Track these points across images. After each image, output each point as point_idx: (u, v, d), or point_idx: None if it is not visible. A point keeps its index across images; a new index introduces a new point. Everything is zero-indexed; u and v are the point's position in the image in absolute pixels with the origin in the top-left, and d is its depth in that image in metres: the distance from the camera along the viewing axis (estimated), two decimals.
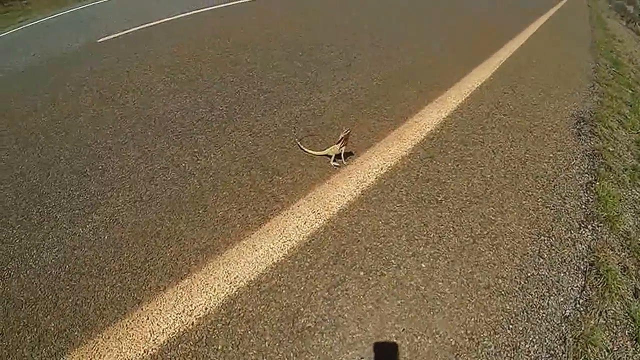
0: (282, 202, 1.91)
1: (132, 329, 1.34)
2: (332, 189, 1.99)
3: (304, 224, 1.78)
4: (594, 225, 1.89)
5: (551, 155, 2.35)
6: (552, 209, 1.94)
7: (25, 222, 1.80)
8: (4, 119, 2.79)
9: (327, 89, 2.98)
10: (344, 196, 1.95)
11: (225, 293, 1.46)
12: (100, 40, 4.56)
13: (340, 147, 2.13)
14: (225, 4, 5.90)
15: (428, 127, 2.54)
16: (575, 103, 3.03)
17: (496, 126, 2.61)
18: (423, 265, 1.61)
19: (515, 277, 1.58)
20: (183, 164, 2.12)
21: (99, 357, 1.25)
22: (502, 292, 1.52)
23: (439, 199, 1.95)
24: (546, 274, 1.61)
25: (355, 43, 4.03)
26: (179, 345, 1.29)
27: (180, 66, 3.43)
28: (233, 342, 1.31)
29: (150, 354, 1.26)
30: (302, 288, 1.50)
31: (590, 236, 1.82)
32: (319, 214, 1.84)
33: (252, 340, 1.32)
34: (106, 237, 1.68)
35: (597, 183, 2.12)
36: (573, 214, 1.93)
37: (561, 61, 4.04)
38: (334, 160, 2.17)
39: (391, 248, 1.68)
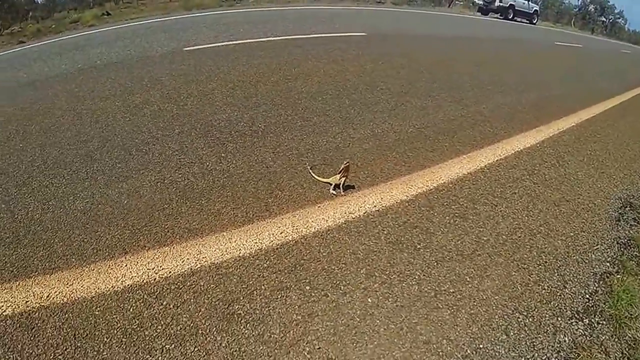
0: (271, 212, 2.13)
1: (112, 268, 1.68)
2: (319, 212, 2.14)
3: (280, 233, 1.96)
4: (592, 320, 1.62)
5: (572, 234, 2.10)
6: (544, 289, 1.74)
7: (73, 177, 2.37)
8: (86, 100, 3.68)
9: (360, 127, 3.19)
10: (326, 220, 2.07)
11: (189, 266, 1.71)
12: (187, 48, 5.56)
13: (340, 178, 2.29)
14: (329, 34, 6.65)
15: (442, 179, 2.52)
16: (629, 186, 2.63)
17: (519, 192, 2.44)
18: (369, 300, 1.62)
19: (463, 344, 1.47)
20: (207, 163, 2.53)
21: (82, 279, 1.60)
22: (440, 354, 1.43)
23: (418, 247, 1.93)
24: (502, 353, 1.46)
25: (410, 90, 4.21)
26: (137, 291, 1.57)
27: (242, 84, 4.04)
28: (176, 303, 1.53)
29: (115, 290, 1.56)
30: (250, 282, 1.65)
31: (581, 331, 1.58)
32: (296, 229, 2.00)
33: (190, 307, 1.52)
34: (125, 202, 2.12)
35: (617, 275, 1.82)
36: (569, 301, 1.69)
37: (631, 138, 3.54)
38: (334, 189, 2.33)
39: (347, 276, 1.73)
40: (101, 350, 1.35)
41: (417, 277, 1.75)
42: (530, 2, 17.35)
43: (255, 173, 2.48)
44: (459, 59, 5.84)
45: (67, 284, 1.59)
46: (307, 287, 1.66)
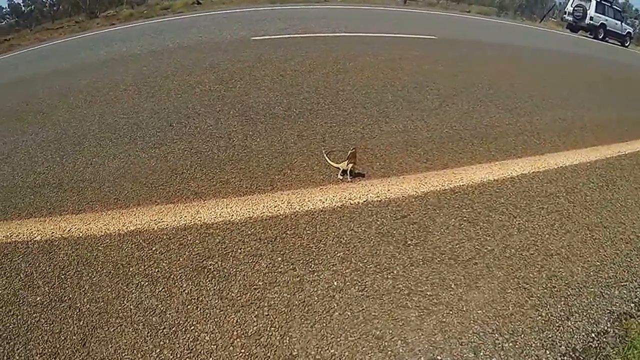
0: (273, 187, 2.21)
1: (123, 215, 1.96)
2: (319, 193, 2.16)
3: (274, 207, 2.03)
4: None
5: (597, 263, 1.73)
6: (541, 315, 1.49)
7: (118, 141, 2.76)
8: (149, 78, 4.14)
9: (394, 122, 3.07)
10: (323, 202, 2.08)
11: (184, 222, 1.90)
12: (254, 38, 5.87)
13: (348, 164, 2.26)
14: (398, 34, 6.49)
15: (461, 182, 2.30)
16: None
17: (548, 209, 2.10)
18: (335, 284, 1.60)
19: (419, 350, 1.35)
20: (233, 139, 2.73)
21: (97, 221, 1.91)
22: (388, 352, 1.34)
23: (408, 243, 1.81)
24: None
25: (460, 94, 3.86)
26: (136, 236, 1.81)
27: (293, 72, 4.16)
28: (162, 251, 1.72)
29: (119, 232, 1.83)
30: (229, 244, 1.77)
31: None
32: (290, 205, 2.05)
33: (172, 255, 1.70)
34: (153, 164, 2.43)
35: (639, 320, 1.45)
36: (568, 335, 1.42)
37: None
38: (341, 174, 2.31)
39: (321, 256, 1.73)
40: (92, 276, 1.61)
41: (394, 272, 1.66)
42: (623, 24, 15.11)
43: (273, 152, 2.59)
44: (527, 70, 5.16)
45: (86, 223, 1.92)
46: (279, 259, 1.71)
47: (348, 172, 2.28)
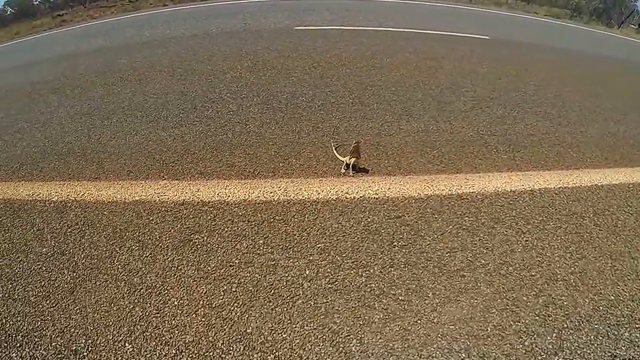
0: (275, 174, 2.25)
1: (132, 186, 2.14)
2: (317, 184, 2.15)
3: (269, 192, 2.07)
4: None
5: (611, 297, 1.49)
6: (523, 344, 1.34)
7: (143, 119, 2.97)
8: (184, 61, 4.34)
9: (416, 121, 2.92)
10: (318, 193, 2.07)
11: (184, 198, 2.02)
12: (297, 27, 5.92)
13: (350, 158, 2.22)
14: (447, 32, 6.17)
15: (471, 189, 2.13)
16: None
17: (566, 229, 1.85)
18: (307, 272, 1.59)
19: (371, 354, 1.30)
20: (250, 125, 2.81)
21: (109, 189, 2.11)
22: (340, 350, 1.31)
23: (394, 244, 1.74)
24: None
25: (498, 97, 3.53)
26: (138, 205, 1.97)
27: (326, 65, 4.11)
28: (158, 221, 1.86)
29: (125, 200, 2.01)
30: (218, 223, 1.85)
31: None
32: (286, 192, 2.07)
33: (166, 226, 1.82)
34: (169, 143, 2.60)
35: None
36: None
37: None
38: (344, 168, 2.27)
39: (301, 244, 1.73)
40: (92, 236, 1.80)
41: (371, 271, 1.60)
42: None
43: (285, 140, 2.62)
44: (583, 78, 4.50)
45: (98, 189, 2.13)
46: (261, 241, 1.74)
47: (350, 166, 2.24)
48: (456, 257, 1.68)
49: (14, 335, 1.36)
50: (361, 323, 1.39)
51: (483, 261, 1.67)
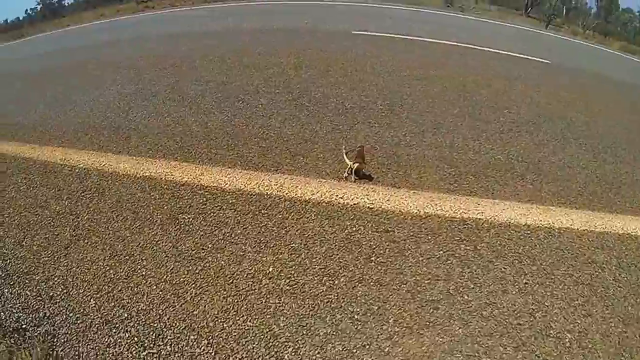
0: (277, 169, 2.26)
1: (146, 162, 2.33)
2: (314, 185, 2.11)
3: (265, 185, 2.10)
4: None
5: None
6: None
7: (179, 104, 3.17)
8: (238, 54, 4.47)
9: (442, 136, 2.70)
10: (312, 194, 2.04)
11: (186, 180, 2.14)
12: (354, 32, 5.83)
13: (354, 163, 2.13)
14: (509, 52, 5.69)
15: (480, 215, 1.90)
16: None
17: (577, 278, 1.56)
18: (271, 269, 1.58)
19: (281, 354, 1.23)
20: (273, 121, 2.87)
21: (131, 164, 2.31)
22: (254, 338, 1.27)
23: (371, 259, 1.63)
24: None
25: (544, 122, 3.10)
26: (147, 181, 2.15)
27: (369, 70, 3.97)
28: (157, 197, 2.00)
29: (137, 176, 2.19)
30: (208, 208, 1.93)
31: None
32: (280, 188, 2.08)
33: (163, 203, 1.95)
34: (193, 128, 2.77)
35: None
36: None
37: None
38: (347, 172, 2.19)
39: (277, 241, 1.72)
40: (99, 203, 2.01)
41: (335, 282, 1.53)
42: None
43: (299, 138, 2.62)
44: None
45: (118, 162, 2.37)
46: (238, 231, 1.77)
47: (353, 171, 2.16)
48: (436, 287, 1.52)
49: (10, 275, 1.57)
50: (304, 333, 1.33)
51: (466, 297, 1.48)
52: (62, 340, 1.35)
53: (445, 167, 2.33)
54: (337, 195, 2.03)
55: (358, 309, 1.42)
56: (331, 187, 2.11)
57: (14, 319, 1.43)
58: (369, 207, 1.95)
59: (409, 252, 1.68)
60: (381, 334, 1.34)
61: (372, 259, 1.64)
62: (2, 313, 1.44)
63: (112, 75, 4.19)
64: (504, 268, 1.61)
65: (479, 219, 1.89)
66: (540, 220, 1.89)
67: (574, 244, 1.77)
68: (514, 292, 1.50)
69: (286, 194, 2.04)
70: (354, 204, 1.97)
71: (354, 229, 1.81)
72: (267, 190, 2.07)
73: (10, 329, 1.38)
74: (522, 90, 3.83)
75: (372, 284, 1.53)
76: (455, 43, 5.67)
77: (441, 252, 1.68)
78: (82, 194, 2.04)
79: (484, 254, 1.68)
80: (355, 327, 1.36)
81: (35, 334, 1.37)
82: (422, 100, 3.29)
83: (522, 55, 5.51)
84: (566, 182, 2.26)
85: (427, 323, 1.38)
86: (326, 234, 1.77)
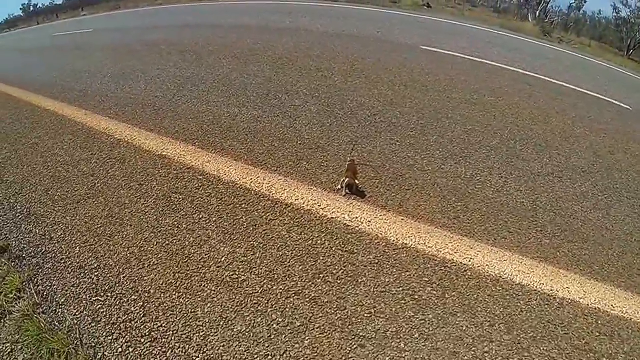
0: (277, 170, 2.31)
1: (168, 143, 2.59)
2: (305, 192, 2.10)
3: (255, 183, 2.16)
4: None
5: None
6: None
7: (218, 91, 3.39)
8: (296, 53, 4.61)
9: (465, 166, 2.42)
10: (297, 199, 2.04)
11: (191, 164, 2.33)
12: (423, 47, 5.60)
13: (345, 177, 2.05)
14: (594, 93, 4.86)
15: (466, 260, 1.65)
16: None
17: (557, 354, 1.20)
18: (222, 259, 1.62)
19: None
20: (295, 122, 2.93)
21: (152, 140, 2.61)
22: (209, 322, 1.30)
23: (316, 275, 1.55)
24: None
25: (587, 169, 2.49)
26: (159, 160, 2.39)
27: (419, 88, 3.74)
28: (163, 174, 2.22)
29: (155, 153, 2.46)
30: (199, 193, 2.08)
31: None
32: (270, 188, 2.12)
33: (162, 179, 2.17)
34: (221, 119, 2.98)
35: None
36: None
37: None
38: (340, 185, 2.12)
39: (239, 234, 1.76)
40: (117, 171, 2.31)
41: (274, 288, 1.50)
42: None
43: (312, 145, 2.62)
44: None
45: (146, 139, 2.70)
46: (214, 218, 1.88)
47: (344, 185, 2.08)
48: (373, 324, 1.38)
49: (30, 215, 1.93)
50: (220, 324, 1.36)
51: (402, 344, 1.31)
52: (46, 272, 1.62)
53: (452, 200, 2.08)
54: (319, 206, 1.99)
55: (280, 320, 1.38)
56: (318, 196, 2.07)
57: (20, 248, 1.75)
58: (345, 223, 1.87)
59: (363, 280, 1.56)
60: (288, 351, 1.28)
61: (322, 276, 1.57)
62: (14, 241, 1.79)
63: (176, 58, 4.77)
64: (467, 327, 1.38)
65: (464, 264, 1.65)
66: (541, 284, 1.56)
67: (574, 323, 1.42)
68: (464, 355, 1.28)
69: (272, 194, 2.08)
70: (332, 218, 1.90)
71: (319, 242, 1.75)
72: (256, 187, 2.13)
73: (14, 255, 1.71)
74: (583, 133, 3.20)
75: (307, 300, 1.46)
76: (529, 73, 5.03)
77: (400, 289, 1.52)
78: (107, 161, 2.39)
79: (449, 305, 1.46)
80: (269, 335, 1.33)
81: (29, 263, 1.67)
82: (460, 126, 2.99)
83: (600, 96, 4.62)
84: (597, 246, 1.82)
85: (342, 358, 1.26)
86: (289, 240, 1.75)
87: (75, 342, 1.36)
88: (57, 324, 1.42)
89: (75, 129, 2.92)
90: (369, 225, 1.86)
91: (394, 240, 1.77)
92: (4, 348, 1.36)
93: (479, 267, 1.65)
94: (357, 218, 1.91)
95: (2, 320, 1.43)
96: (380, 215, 1.94)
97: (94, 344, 1.36)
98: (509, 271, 1.64)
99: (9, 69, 6.62)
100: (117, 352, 1.33)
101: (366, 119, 3.02)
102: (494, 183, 2.26)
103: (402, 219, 1.92)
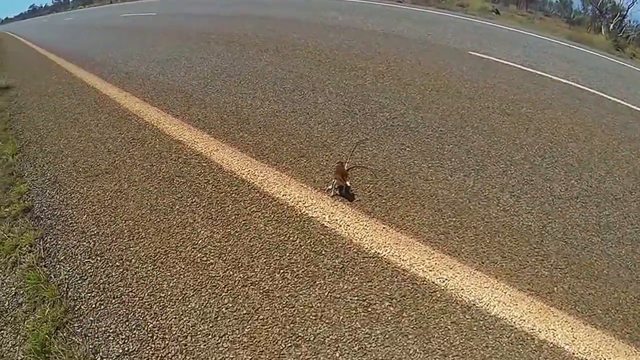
0: (276, 165, 2.36)
1: (190, 132, 2.79)
2: (294, 188, 2.12)
3: (252, 174, 2.24)
4: None
5: None
6: None
7: (255, 85, 3.53)
8: (338, 51, 4.56)
9: (474, 179, 2.20)
10: (284, 195, 2.07)
11: (201, 151, 2.49)
12: (471, 52, 5.19)
13: (334, 178, 2.02)
14: None
15: (451, 287, 1.51)
16: None
17: None
18: (198, 241, 1.72)
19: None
20: (310, 120, 2.94)
21: (174, 125, 2.83)
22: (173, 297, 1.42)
23: (276, 269, 1.57)
24: None
25: (629, 199, 2.03)
26: (175, 144, 2.59)
27: (452, 94, 3.50)
28: (174, 156, 2.41)
29: (172, 137, 2.67)
30: (198, 179, 2.22)
31: None
32: (263, 180, 2.18)
33: (172, 162, 2.36)
34: (243, 109, 3.10)
35: None
36: None
37: None
38: (331, 184, 2.10)
39: (222, 221, 1.85)
40: (138, 150, 2.54)
41: (234, 275, 1.56)
42: None
43: (318, 143, 2.59)
44: None
45: (170, 124, 2.91)
46: (204, 204, 2.00)
47: (333, 186, 2.05)
48: (316, 327, 1.36)
49: (56, 183, 2.25)
50: (173, 299, 1.45)
51: (337, 354, 1.27)
52: (55, 233, 1.89)
53: (447, 214, 1.93)
54: (303, 203, 1.99)
55: (230, 305, 1.45)
56: (306, 194, 2.07)
57: (40, 210, 2.07)
58: (322, 224, 1.85)
59: (320, 283, 1.54)
60: (228, 334, 1.33)
61: (282, 271, 1.59)
62: (37, 204, 2.11)
63: (221, 48, 5.07)
64: (415, 352, 1.28)
65: (435, 284, 1.53)
66: (522, 320, 1.38)
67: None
68: None
69: (263, 187, 2.13)
70: (312, 217, 1.90)
71: (291, 238, 1.76)
72: (251, 178, 2.21)
73: (34, 215, 2.02)
74: (628, 157, 2.67)
75: (261, 292, 1.50)
76: (582, 86, 4.38)
77: (355, 298, 1.47)
78: (131, 141, 2.67)
79: (403, 324, 1.37)
80: (216, 316, 1.41)
81: (44, 223, 1.97)
82: (484, 136, 2.73)
83: None
84: (607, 286, 1.53)
85: (275, 352, 1.27)
86: (264, 233, 1.80)
87: (62, 294, 1.58)
88: (52, 277, 1.66)
89: (112, 108, 3.29)
90: (346, 229, 1.82)
91: (366, 248, 1.71)
92: (10, 291, 1.63)
93: (451, 289, 1.51)
94: (336, 220, 1.87)
95: (14, 269, 1.71)
96: (362, 221, 1.87)
97: (75, 298, 1.56)
98: (486, 300, 1.48)
99: (74, 46, 7.55)
100: (90, 306, 1.52)
101: (383, 122, 2.92)
102: (503, 201, 2.04)
103: (384, 228, 1.83)
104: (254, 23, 7.00)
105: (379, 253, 1.68)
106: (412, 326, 1.37)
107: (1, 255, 1.77)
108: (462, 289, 1.51)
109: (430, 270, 1.59)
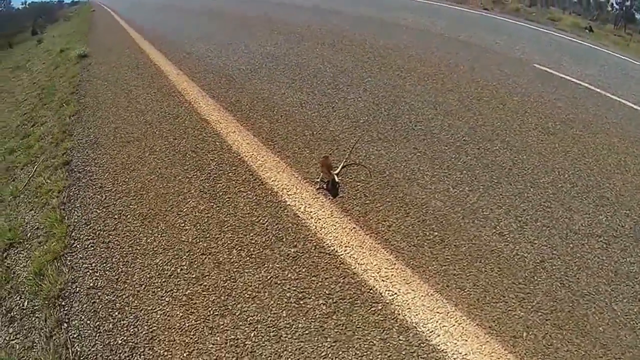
0: (281, 152, 2.42)
1: (218, 113, 3.01)
2: (286, 174, 2.16)
3: (254, 158, 2.34)
4: None
5: None
6: None
7: (296, 75, 3.60)
8: (393, 51, 4.34)
9: (483, 196, 1.94)
10: (272, 180, 2.12)
11: (221, 132, 2.68)
12: (535, 65, 4.58)
13: (321, 172, 2.00)
14: None
15: (391, 296, 1.40)
16: None
17: None
18: (193, 216, 1.88)
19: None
20: (332, 115, 2.91)
21: (209, 106, 3.07)
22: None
23: (251, 256, 1.64)
24: None
25: None
26: (208, 123, 2.83)
27: (498, 109, 3.10)
28: (195, 133, 2.65)
29: (206, 118, 2.92)
30: (207, 158, 2.40)
31: None
32: (261, 166, 2.26)
33: (190, 137, 2.60)
34: (274, 97, 3.20)
35: None
36: None
37: None
38: (320, 178, 2.08)
39: (224, 199, 1.99)
40: (168, 125, 2.83)
41: (202, 246, 1.67)
42: None
43: (328, 136, 2.56)
44: None
45: (207, 105, 3.13)
46: (200, 182, 2.15)
47: (320, 179, 2.04)
48: (245, 305, 1.39)
49: (95, 144, 2.65)
50: (152, 268, 1.62)
51: (253, 333, 1.29)
52: (80, 184, 2.25)
53: (430, 227, 1.76)
54: (287, 191, 2.02)
55: (185, 266, 1.59)
56: (294, 183, 2.10)
57: (75, 165, 2.47)
58: (295, 213, 1.86)
59: (267, 266, 1.57)
60: (172, 290, 1.45)
61: (239, 249, 1.66)
62: (75, 159, 2.52)
63: (280, 37, 5.25)
64: (326, 357, 1.23)
65: (382, 295, 1.43)
66: (463, 356, 1.21)
67: None
68: None
69: (258, 171, 2.21)
70: (288, 204, 1.92)
71: (260, 221, 1.82)
72: (251, 161, 2.31)
73: (70, 168, 2.42)
74: None
75: (214, 261, 1.60)
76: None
77: (294, 290, 1.46)
78: (166, 115, 2.99)
79: (329, 327, 1.33)
80: (170, 274, 1.56)
81: (75, 175, 2.35)
82: (512, 153, 2.39)
83: None
84: (597, 347, 1.22)
85: (202, 317, 1.34)
86: (240, 211, 1.90)
87: (68, 233, 1.89)
88: (66, 219, 2.00)
89: (163, 84, 3.68)
90: (315, 223, 1.80)
91: (327, 244, 1.67)
92: (35, 225, 2.03)
93: (398, 305, 1.40)
94: (309, 212, 1.86)
95: (43, 208, 2.10)
96: (335, 217, 1.83)
97: (75, 238, 1.86)
98: (431, 326, 1.33)
99: (152, 24, 7.94)
100: (84, 246, 1.81)
101: (405, 124, 2.76)
102: (503, 224, 1.77)
103: (353, 228, 1.76)
104: (320, 16, 7.11)
105: (336, 251, 1.63)
106: (336, 330, 1.32)
107: (38, 196, 2.20)
108: (410, 308, 1.39)
109: (382, 280, 1.49)
